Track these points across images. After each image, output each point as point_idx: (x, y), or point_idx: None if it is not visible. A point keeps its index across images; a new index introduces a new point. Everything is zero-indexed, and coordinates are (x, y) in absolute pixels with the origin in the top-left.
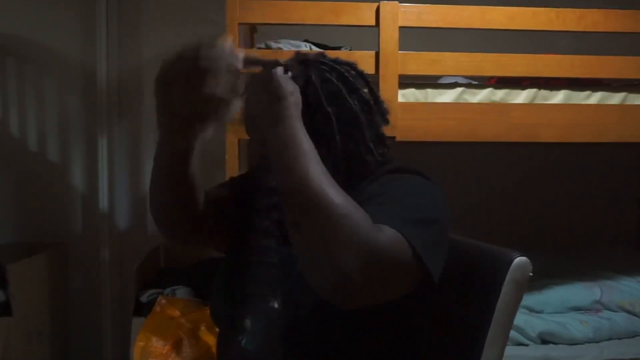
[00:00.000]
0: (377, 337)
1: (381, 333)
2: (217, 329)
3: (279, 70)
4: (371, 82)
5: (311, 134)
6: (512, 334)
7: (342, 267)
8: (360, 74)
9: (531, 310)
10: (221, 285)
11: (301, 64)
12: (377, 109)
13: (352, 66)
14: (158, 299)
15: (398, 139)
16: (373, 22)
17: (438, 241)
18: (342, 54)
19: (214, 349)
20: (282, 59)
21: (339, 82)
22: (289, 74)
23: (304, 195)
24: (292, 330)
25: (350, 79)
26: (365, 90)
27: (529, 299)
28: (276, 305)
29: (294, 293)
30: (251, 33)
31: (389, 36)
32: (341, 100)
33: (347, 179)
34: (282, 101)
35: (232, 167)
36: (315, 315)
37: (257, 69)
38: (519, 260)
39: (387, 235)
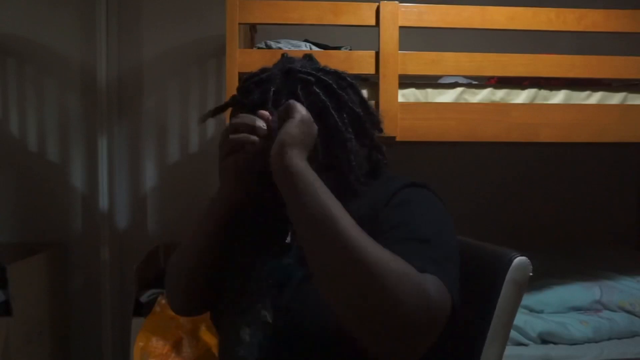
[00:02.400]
0: None
1: None
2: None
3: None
4: (361, 92)
5: None
6: (512, 334)
7: (406, 332)
8: (350, 85)
9: (531, 310)
10: (222, 293)
11: (286, 76)
12: (368, 119)
13: (341, 76)
14: (158, 299)
15: (398, 139)
16: (373, 22)
17: (458, 271)
18: (342, 54)
19: (214, 349)
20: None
21: (326, 97)
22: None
23: (348, 258)
24: (288, 341)
25: (339, 91)
26: (357, 98)
27: (529, 299)
28: (268, 318)
29: (290, 305)
30: (251, 33)
31: (389, 36)
32: (327, 117)
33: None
34: (290, 172)
35: None
36: (311, 325)
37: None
38: (519, 260)
39: (436, 288)
